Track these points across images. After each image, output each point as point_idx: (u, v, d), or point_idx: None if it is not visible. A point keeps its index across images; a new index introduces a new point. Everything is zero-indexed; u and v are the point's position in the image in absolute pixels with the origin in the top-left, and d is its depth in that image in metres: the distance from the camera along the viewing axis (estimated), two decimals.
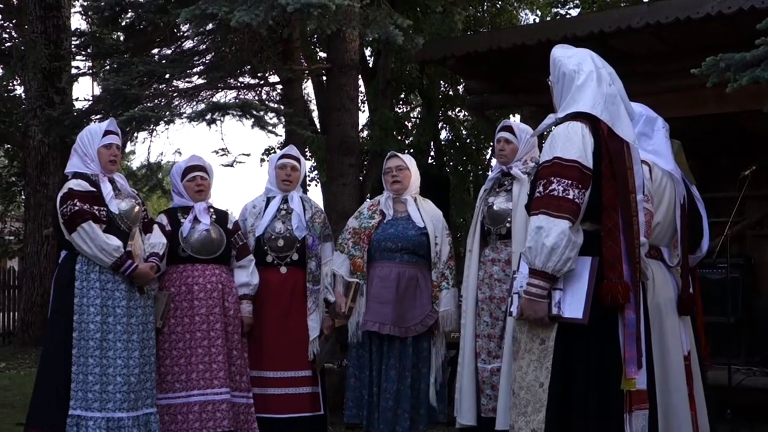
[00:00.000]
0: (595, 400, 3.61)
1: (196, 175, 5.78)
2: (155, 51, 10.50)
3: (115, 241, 5.14)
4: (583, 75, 3.84)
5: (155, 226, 5.57)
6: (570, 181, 3.62)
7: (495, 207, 5.49)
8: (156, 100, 9.58)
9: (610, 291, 3.62)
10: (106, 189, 5.28)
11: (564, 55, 3.94)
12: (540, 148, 5.63)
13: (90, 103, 11.54)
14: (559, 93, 3.93)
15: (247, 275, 5.73)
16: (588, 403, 3.61)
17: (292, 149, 6.16)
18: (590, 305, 3.62)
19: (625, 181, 3.76)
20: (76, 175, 5.27)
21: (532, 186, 3.96)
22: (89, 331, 5.10)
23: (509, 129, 5.61)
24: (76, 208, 5.11)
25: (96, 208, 5.17)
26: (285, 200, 5.95)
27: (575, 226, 3.63)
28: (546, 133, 4.13)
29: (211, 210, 5.80)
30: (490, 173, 5.75)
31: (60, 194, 5.21)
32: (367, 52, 16.33)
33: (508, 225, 5.40)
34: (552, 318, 3.67)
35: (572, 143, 3.68)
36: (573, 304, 3.64)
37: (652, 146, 4.50)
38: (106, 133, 5.38)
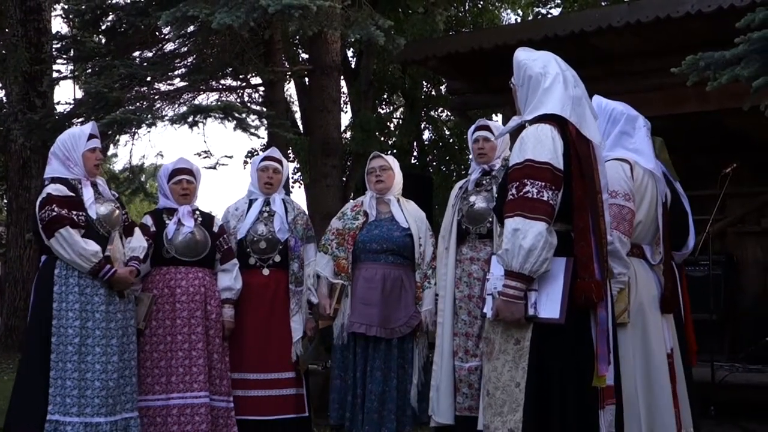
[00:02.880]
0: (572, 398, 3.62)
1: (183, 179, 5.76)
2: (136, 54, 10.46)
3: (93, 246, 5.11)
4: (549, 78, 3.85)
5: (136, 230, 5.54)
6: (543, 183, 3.63)
7: (475, 207, 5.51)
8: (138, 103, 9.57)
9: (584, 290, 3.63)
10: (88, 193, 5.25)
11: (529, 57, 3.94)
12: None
13: (72, 106, 11.48)
14: (524, 96, 3.93)
15: (230, 279, 5.72)
16: (566, 401, 3.62)
17: (274, 151, 6.15)
18: (566, 305, 3.64)
19: (592, 182, 3.78)
20: (55, 180, 5.24)
21: (501, 188, 3.97)
22: (68, 336, 5.07)
23: (486, 128, 5.65)
24: (54, 213, 5.08)
25: (74, 212, 5.14)
26: (267, 202, 5.95)
27: (550, 227, 3.65)
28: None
29: (197, 213, 5.78)
30: (470, 174, 5.75)
31: (39, 199, 5.18)
32: (349, 53, 16.35)
33: (488, 225, 5.42)
34: (528, 319, 3.68)
35: (543, 145, 3.68)
36: (549, 305, 3.65)
37: (634, 145, 4.51)
38: (90, 137, 5.36)
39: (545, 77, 3.84)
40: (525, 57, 3.96)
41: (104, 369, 5.10)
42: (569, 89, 3.83)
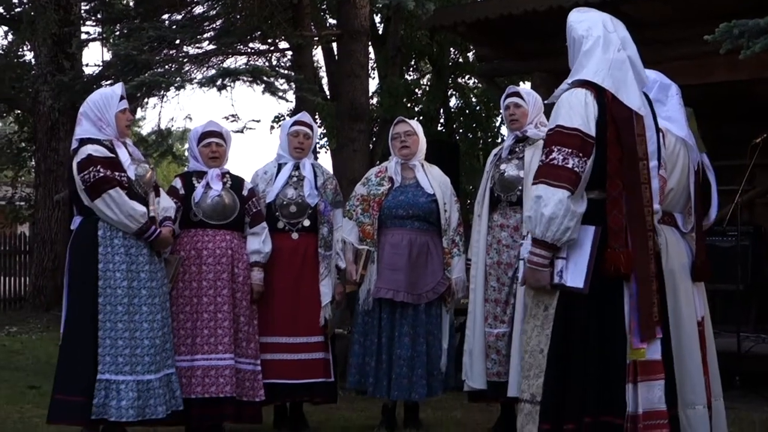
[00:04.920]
0: (593, 369, 3.61)
1: (212, 142, 5.74)
2: (165, 16, 10.50)
3: (141, 207, 5.14)
4: (590, 41, 3.84)
5: (162, 191, 5.54)
6: (570, 150, 3.62)
7: (506, 174, 5.51)
8: (166, 66, 9.60)
9: (613, 261, 3.62)
10: (124, 154, 5.24)
11: (576, 19, 3.94)
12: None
13: (100, 68, 11.53)
14: (571, 58, 3.94)
15: (259, 242, 5.72)
16: (587, 372, 3.61)
17: (305, 116, 6.13)
18: (591, 274, 3.63)
19: (633, 149, 3.74)
20: (89, 141, 5.20)
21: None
22: (117, 296, 5.09)
23: (517, 94, 5.67)
24: (101, 174, 5.06)
25: (117, 174, 5.14)
26: (297, 167, 5.94)
27: (576, 195, 3.62)
28: None
29: (227, 176, 5.78)
30: (503, 141, 5.75)
31: (78, 160, 5.13)
32: (377, 18, 16.27)
33: (518, 193, 5.44)
34: (554, 286, 3.69)
35: (575, 111, 3.68)
36: (575, 273, 3.65)
37: (666, 113, 4.48)
38: (120, 98, 5.35)
39: (586, 40, 3.83)
40: (574, 18, 3.95)
41: (151, 327, 5.14)
42: (609, 53, 3.80)
